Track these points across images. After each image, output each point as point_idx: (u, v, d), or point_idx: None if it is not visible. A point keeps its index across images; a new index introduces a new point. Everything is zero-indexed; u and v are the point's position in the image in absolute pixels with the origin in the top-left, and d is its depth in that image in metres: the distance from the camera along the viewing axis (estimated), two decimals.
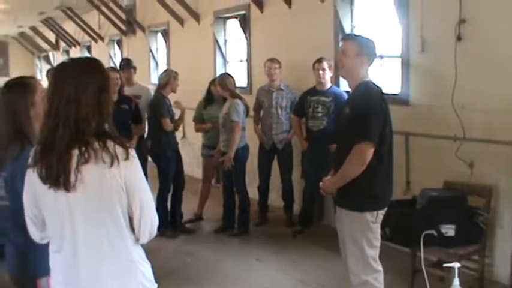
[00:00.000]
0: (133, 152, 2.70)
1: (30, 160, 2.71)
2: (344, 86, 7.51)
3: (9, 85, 3.65)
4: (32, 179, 2.71)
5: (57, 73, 2.76)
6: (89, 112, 2.63)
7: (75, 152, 2.59)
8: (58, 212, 2.67)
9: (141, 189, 2.73)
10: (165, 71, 8.64)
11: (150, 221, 2.77)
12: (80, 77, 2.67)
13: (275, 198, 8.81)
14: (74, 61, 2.87)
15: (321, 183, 4.75)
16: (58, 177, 2.59)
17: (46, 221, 2.77)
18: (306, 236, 7.88)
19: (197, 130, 8.95)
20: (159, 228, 2.90)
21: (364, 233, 4.51)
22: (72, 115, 2.61)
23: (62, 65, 2.82)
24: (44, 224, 2.81)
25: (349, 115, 4.55)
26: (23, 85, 3.61)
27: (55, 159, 2.59)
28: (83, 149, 2.59)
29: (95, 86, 2.68)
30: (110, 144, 2.63)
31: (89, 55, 18.42)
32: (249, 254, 7.32)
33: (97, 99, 2.67)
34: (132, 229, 2.75)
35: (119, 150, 2.64)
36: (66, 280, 2.74)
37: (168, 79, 8.08)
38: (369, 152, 4.35)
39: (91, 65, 2.78)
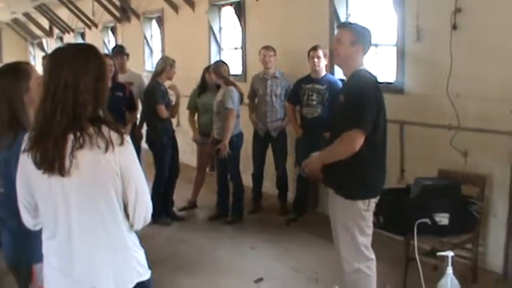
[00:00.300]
0: (128, 138, 2.70)
1: (24, 145, 2.70)
2: (339, 74, 7.50)
3: (2, 70, 3.63)
4: (25, 165, 2.70)
5: (54, 58, 2.74)
6: (87, 98, 2.63)
7: (70, 137, 2.58)
8: (52, 198, 2.66)
9: (136, 175, 2.73)
10: (162, 58, 8.63)
11: (144, 207, 2.77)
12: (78, 62, 2.66)
13: (269, 186, 8.82)
14: (71, 46, 2.85)
15: (305, 160, 4.75)
16: (53, 162, 2.58)
17: (39, 207, 2.77)
18: (299, 224, 7.89)
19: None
20: (153, 215, 2.90)
21: (356, 220, 4.52)
22: (70, 101, 2.60)
23: (58, 50, 2.79)
24: (36, 211, 2.81)
25: (343, 103, 4.55)
26: (17, 70, 3.58)
27: (51, 145, 2.58)
28: (78, 134, 2.58)
29: (93, 72, 2.67)
30: (104, 129, 2.62)
31: (83, 42, 18.34)
32: (243, 241, 7.33)
33: (94, 86, 2.67)
34: (126, 215, 2.75)
35: (114, 135, 2.63)
36: (61, 266, 2.74)
37: (164, 66, 8.06)
38: (359, 139, 4.34)
39: (88, 51, 2.77)
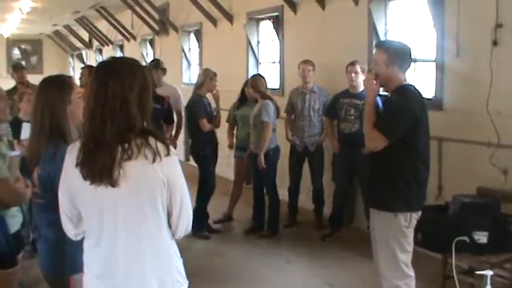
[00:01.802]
0: (173, 149, 2.75)
1: (70, 157, 2.74)
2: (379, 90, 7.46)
3: (47, 81, 3.69)
4: (70, 176, 2.74)
5: (101, 70, 2.79)
6: (134, 110, 2.68)
7: (118, 148, 2.63)
8: (99, 207, 2.70)
9: (182, 185, 2.78)
10: (202, 70, 8.72)
11: (187, 218, 2.83)
12: (125, 75, 2.71)
13: (305, 200, 8.79)
14: (116, 60, 2.93)
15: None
16: (102, 173, 2.63)
17: (84, 215, 2.79)
18: (335, 239, 7.85)
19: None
20: (193, 227, 2.94)
21: (397, 237, 4.49)
22: (119, 112, 2.65)
23: (105, 62, 2.86)
24: (79, 220, 2.84)
25: (382, 113, 4.59)
26: (61, 82, 3.65)
27: (101, 156, 2.63)
28: (126, 145, 2.63)
29: (138, 85, 2.73)
30: (151, 140, 2.68)
31: (121, 54, 18.56)
32: (278, 255, 7.31)
33: (140, 98, 2.72)
34: (169, 224, 2.80)
35: (161, 146, 2.68)
36: (103, 274, 2.76)
37: (205, 79, 8.16)
38: (381, 143, 4.42)
39: (133, 65, 2.83)
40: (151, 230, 2.74)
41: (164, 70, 9.21)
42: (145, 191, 2.68)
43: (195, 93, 8.24)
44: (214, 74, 8.24)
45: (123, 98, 2.67)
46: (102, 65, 2.87)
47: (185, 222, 2.83)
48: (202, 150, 8.10)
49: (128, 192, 2.66)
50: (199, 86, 8.20)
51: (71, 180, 2.74)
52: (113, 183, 2.63)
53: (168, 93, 8.77)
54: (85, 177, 2.66)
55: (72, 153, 2.74)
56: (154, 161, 2.65)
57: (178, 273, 2.87)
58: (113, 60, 2.90)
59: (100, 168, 2.63)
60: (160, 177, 2.68)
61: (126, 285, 2.75)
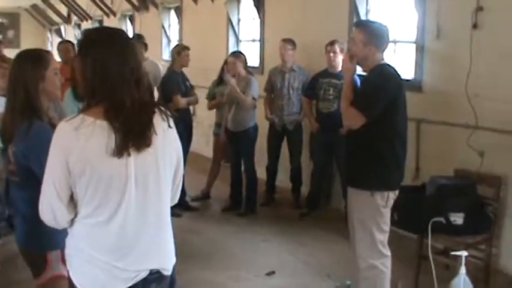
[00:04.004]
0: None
1: (77, 133, 2.56)
2: (358, 70, 7.46)
3: (22, 56, 3.59)
4: (81, 152, 2.55)
5: (105, 36, 2.74)
6: (143, 78, 2.69)
7: (148, 116, 2.65)
8: (120, 179, 2.59)
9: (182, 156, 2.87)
10: (173, 46, 8.68)
11: (179, 188, 2.91)
12: (128, 44, 2.75)
13: (283, 179, 8.80)
14: (118, 29, 2.94)
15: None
16: (142, 136, 2.60)
17: (97, 194, 2.60)
18: (312, 219, 7.88)
19: (210, 108, 8.92)
20: None
21: (374, 217, 4.53)
22: (131, 79, 2.63)
23: (108, 29, 2.87)
24: (70, 204, 2.66)
25: (360, 88, 4.63)
26: (36, 57, 3.54)
27: (140, 119, 2.62)
28: (156, 110, 2.68)
29: (134, 55, 2.72)
30: (164, 110, 2.74)
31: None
32: (255, 234, 7.33)
33: (138, 68, 2.70)
34: None
35: (169, 117, 2.74)
36: (117, 248, 2.66)
37: (173, 54, 8.18)
38: (359, 121, 4.45)
39: (126, 35, 2.91)
40: (167, 196, 2.78)
41: (146, 45, 9.16)
42: (168, 157, 2.72)
43: (168, 70, 8.25)
44: (184, 48, 8.23)
45: (131, 64, 2.65)
46: (100, 29, 2.94)
47: (178, 192, 2.90)
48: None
49: (155, 159, 2.65)
50: (171, 62, 8.20)
51: (84, 156, 2.55)
52: (149, 144, 2.61)
53: (149, 69, 8.71)
54: (118, 147, 2.54)
55: (80, 129, 2.55)
56: (170, 126, 2.71)
57: (172, 246, 2.91)
58: (113, 28, 2.86)
59: (139, 132, 2.59)
60: (174, 145, 2.76)
61: (149, 255, 2.72)
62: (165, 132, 2.68)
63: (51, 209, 2.66)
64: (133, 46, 2.76)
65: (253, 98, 7.77)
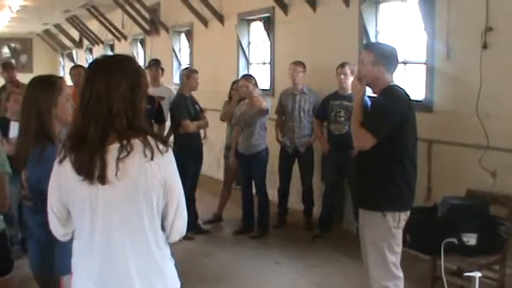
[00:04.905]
0: (170, 150, 2.71)
1: (59, 155, 2.70)
2: (368, 91, 7.48)
3: (35, 81, 3.66)
4: (61, 173, 2.69)
5: (89, 69, 2.76)
6: (121, 107, 2.63)
7: (115, 146, 2.59)
8: (91, 206, 2.64)
9: (178, 187, 2.75)
10: (182, 69, 8.72)
11: (182, 221, 2.78)
12: (112, 72, 2.67)
13: (295, 201, 8.80)
14: (107, 57, 2.90)
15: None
16: (92, 171, 2.58)
17: (74, 215, 2.73)
18: (325, 241, 7.85)
19: (223, 117, 8.84)
20: None
21: (386, 237, 4.51)
22: (103, 111, 2.61)
23: (95, 61, 2.82)
24: (67, 220, 2.79)
25: (371, 108, 4.63)
26: (48, 83, 3.61)
27: (87, 155, 2.59)
28: (125, 142, 2.59)
29: (127, 82, 2.66)
30: (150, 139, 2.64)
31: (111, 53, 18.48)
32: (267, 256, 7.31)
33: (130, 96, 2.66)
34: (162, 228, 2.76)
35: (160, 146, 2.65)
36: (98, 276, 2.70)
37: (182, 79, 8.19)
38: (369, 142, 4.44)
39: (123, 61, 2.77)
40: (145, 231, 2.68)
41: (163, 70, 9.24)
42: (142, 190, 2.62)
43: (177, 94, 8.27)
44: (192, 71, 8.25)
45: (109, 96, 2.62)
46: (91, 63, 2.83)
47: (180, 225, 2.78)
48: (183, 155, 7.91)
49: (124, 191, 2.61)
50: (180, 86, 8.23)
51: (64, 177, 2.68)
52: (105, 182, 2.58)
53: (165, 94, 8.78)
54: (79, 173, 2.61)
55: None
56: (152, 159, 2.61)
57: (170, 275, 2.83)
58: (102, 57, 2.85)
59: (89, 167, 2.58)
60: (158, 177, 2.64)
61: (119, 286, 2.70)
62: (142, 165, 2.60)
63: (51, 220, 2.84)
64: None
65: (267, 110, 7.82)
